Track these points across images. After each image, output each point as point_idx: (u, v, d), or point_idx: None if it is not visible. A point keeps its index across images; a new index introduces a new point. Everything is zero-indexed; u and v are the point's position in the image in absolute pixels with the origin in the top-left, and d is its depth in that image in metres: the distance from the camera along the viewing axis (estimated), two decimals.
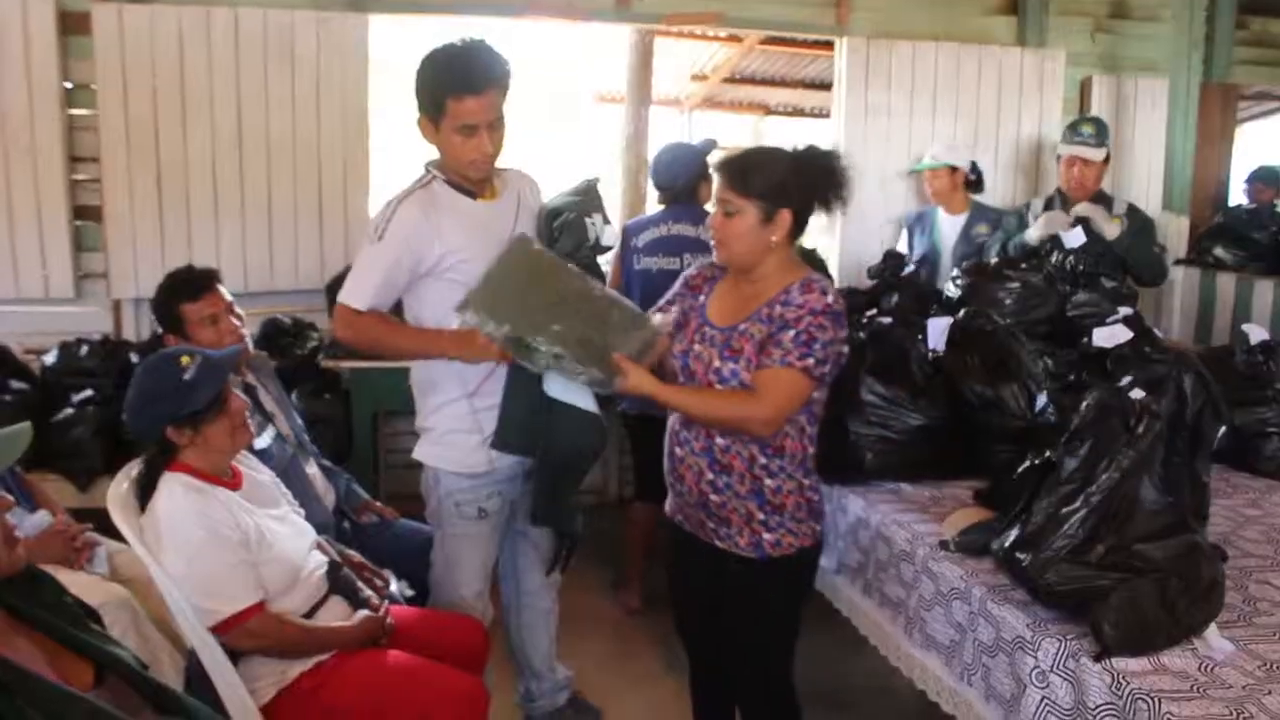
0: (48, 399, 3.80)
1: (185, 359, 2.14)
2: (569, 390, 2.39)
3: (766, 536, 2.18)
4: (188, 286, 2.78)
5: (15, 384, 3.85)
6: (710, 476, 2.19)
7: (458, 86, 2.33)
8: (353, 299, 2.40)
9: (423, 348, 2.48)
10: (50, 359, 3.93)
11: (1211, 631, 1.68)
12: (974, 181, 4.50)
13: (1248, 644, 1.70)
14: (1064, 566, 1.73)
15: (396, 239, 2.39)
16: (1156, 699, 1.51)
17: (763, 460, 2.14)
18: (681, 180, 3.76)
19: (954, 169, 4.46)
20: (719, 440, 2.16)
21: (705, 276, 2.31)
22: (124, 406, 2.18)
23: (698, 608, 2.40)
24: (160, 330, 3.11)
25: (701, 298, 2.28)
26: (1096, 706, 1.61)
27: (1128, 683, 1.57)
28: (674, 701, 3.18)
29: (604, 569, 4.20)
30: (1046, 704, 1.71)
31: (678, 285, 2.36)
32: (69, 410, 3.71)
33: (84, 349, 3.95)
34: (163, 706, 1.59)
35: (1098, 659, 1.63)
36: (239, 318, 2.82)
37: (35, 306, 4.29)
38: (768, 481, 2.15)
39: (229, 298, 2.83)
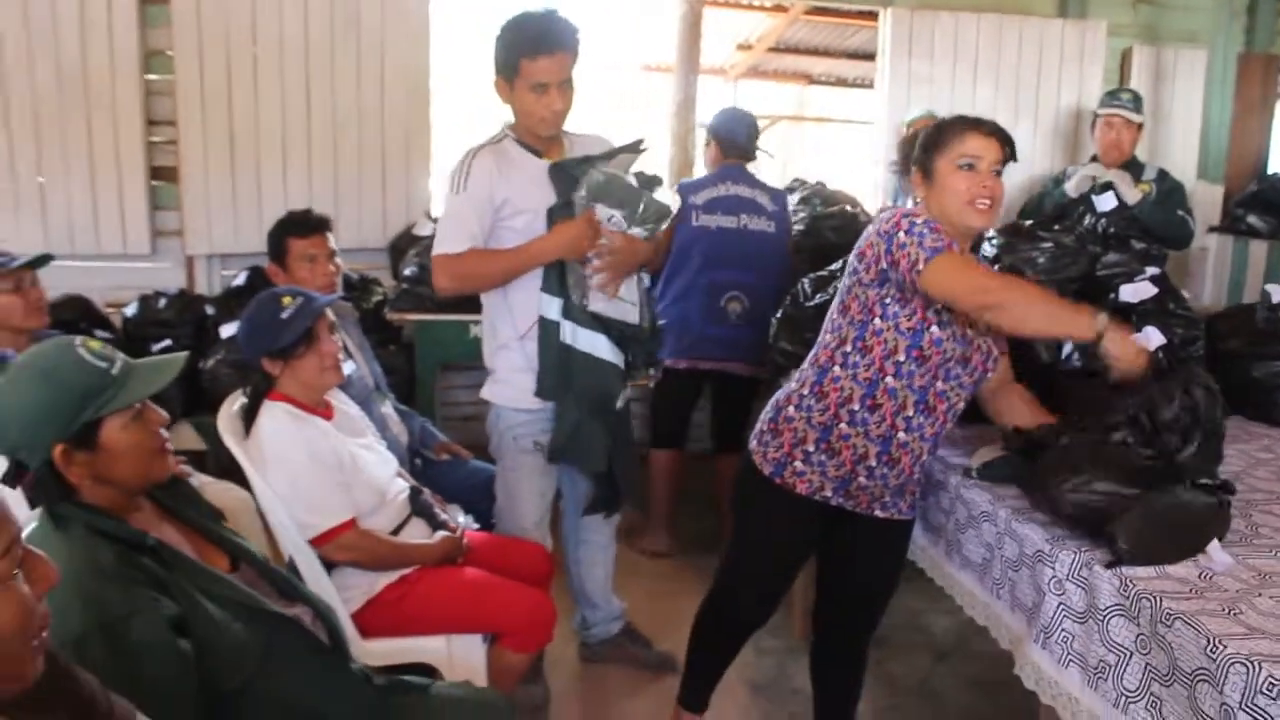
0: (129, 348, 3.93)
1: (287, 299, 2.36)
2: (591, 341, 2.67)
3: (916, 495, 2.38)
4: (301, 224, 3.06)
5: (100, 334, 4.09)
6: (925, 459, 2.29)
7: (531, 48, 2.54)
8: (446, 247, 2.63)
9: (525, 260, 2.64)
10: (131, 311, 4.14)
11: (1214, 546, 1.86)
12: None
13: (1246, 559, 1.88)
14: (1089, 491, 1.92)
15: (476, 185, 2.62)
16: (1159, 597, 1.70)
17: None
18: (742, 138, 3.95)
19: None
20: (949, 424, 2.26)
21: None
22: (238, 332, 2.44)
23: (839, 575, 2.49)
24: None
25: None
26: (1106, 608, 1.80)
27: (1134, 585, 1.76)
28: None
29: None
30: (1063, 609, 1.91)
31: None
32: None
33: (162, 302, 4.16)
34: (286, 594, 1.82)
35: (1109, 567, 1.82)
36: (336, 267, 3.06)
37: (114, 262, 4.52)
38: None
39: (334, 247, 3.07)
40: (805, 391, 2.29)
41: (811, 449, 2.27)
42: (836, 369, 2.23)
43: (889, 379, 2.16)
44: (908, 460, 2.25)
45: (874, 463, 2.23)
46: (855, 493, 2.29)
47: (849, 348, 2.21)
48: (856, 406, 2.20)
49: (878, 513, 2.33)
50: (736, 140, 3.94)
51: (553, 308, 2.66)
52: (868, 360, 2.18)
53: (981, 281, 2.02)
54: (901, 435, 2.21)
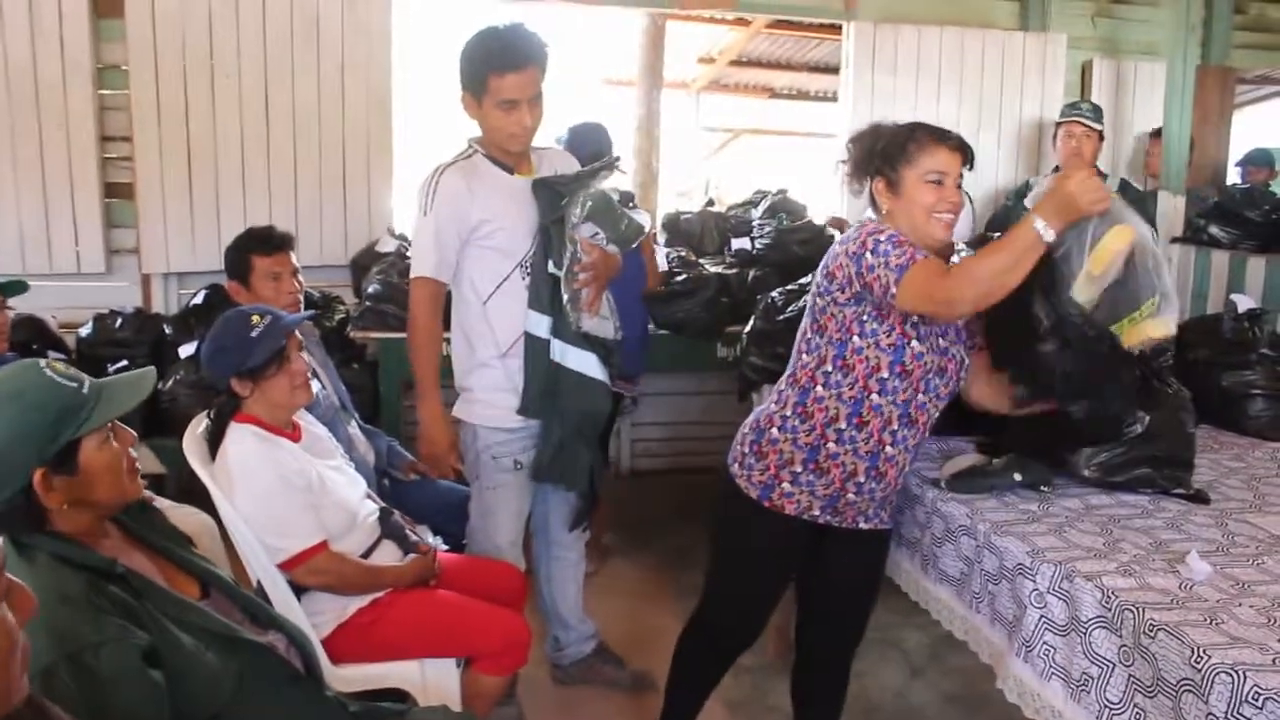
0: (84, 370, 3.90)
1: (256, 318, 2.31)
2: (581, 360, 2.67)
3: (894, 504, 2.37)
4: (265, 242, 2.99)
5: (53, 354, 4.00)
6: (907, 470, 2.29)
7: (499, 63, 2.51)
8: (418, 269, 2.63)
9: (420, 384, 2.76)
10: (85, 331, 4.08)
11: (1193, 557, 1.87)
12: None
13: (1224, 568, 1.89)
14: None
15: (442, 208, 2.59)
16: (1141, 608, 1.70)
17: None
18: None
19: None
20: (927, 434, 2.27)
21: None
22: (200, 352, 2.38)
23: (822, 590, 2.46)
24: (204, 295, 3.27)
25: None
26: (1089, 619, 1.80)
27: (1116, 596, 1.76)
28: None
29: (618, 534, 4.40)
30: (1044, 621, 1.90)
31: None
32: None
33: (118, 321, 4.10)
34: (259, 620, 1.77)
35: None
36: (299, 285, 3.01)
37: (68, 281, 4.44)
38: None
39: (296, 264, 3.02)
40: (788, 412, 2.26)
41: (799, 469, 2.24)
42: (819, 389, 2.20)
43: (874, 396, 2.15)
44: (893, 473, 2.25)
45: (862, 479, 2.22)
46: (843, 509, 2.27)
47: (829, 367, 2.19)
48: (843, 425, 2.18)
49: (861, 525, 2.31)
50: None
51: (541, 325, 2.64)
52: (850, 379, 2.16)
53: (944, 295, 1.98)
54: (889, 449, 2.20)
